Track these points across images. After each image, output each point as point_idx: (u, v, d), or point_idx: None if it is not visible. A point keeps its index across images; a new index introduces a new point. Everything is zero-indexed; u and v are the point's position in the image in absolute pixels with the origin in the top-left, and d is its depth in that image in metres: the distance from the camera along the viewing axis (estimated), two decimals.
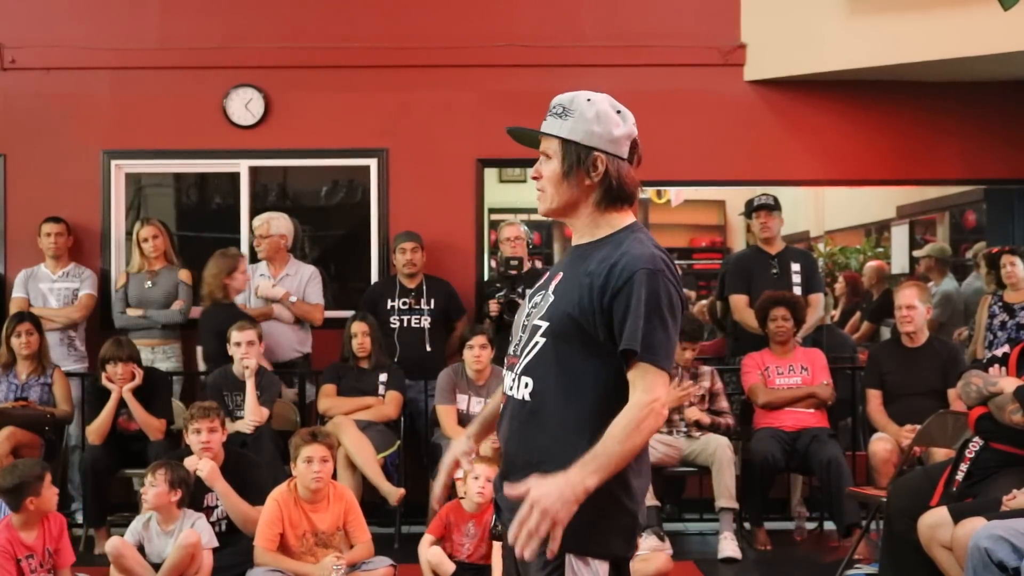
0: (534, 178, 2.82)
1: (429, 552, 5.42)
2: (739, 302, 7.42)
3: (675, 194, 12.45)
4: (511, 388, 2.76)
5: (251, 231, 7.66)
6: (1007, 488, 4.68)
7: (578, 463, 2.46)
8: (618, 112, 2.77)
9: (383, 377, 6.94)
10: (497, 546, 5.43)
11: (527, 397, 2.70)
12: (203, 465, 5.67)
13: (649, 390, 2.55)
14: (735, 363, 7.29)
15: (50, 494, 5.26)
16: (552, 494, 2.41)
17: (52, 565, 5.22)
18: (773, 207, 7.42)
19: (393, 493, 6.43)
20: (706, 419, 6.66)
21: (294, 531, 5.40)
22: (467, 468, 2.97)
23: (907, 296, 6.64)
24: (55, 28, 7.90)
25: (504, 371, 2.86)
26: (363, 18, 7.94)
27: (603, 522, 2.59)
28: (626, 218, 2.80)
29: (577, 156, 2.73)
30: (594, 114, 2.74)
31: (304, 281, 7.42)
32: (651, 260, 2.65)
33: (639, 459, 2.63)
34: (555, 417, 2.66)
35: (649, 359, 2.56)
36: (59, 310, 7.42)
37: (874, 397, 6.69)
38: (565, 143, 2.74)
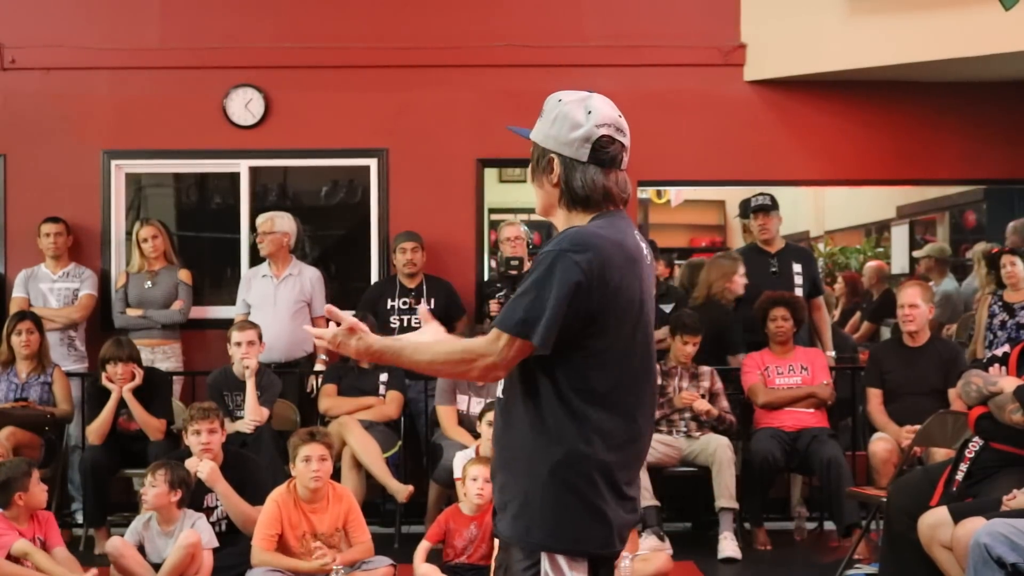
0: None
1: (421, 568, 5.42)
2: None
3: (675, 194, 12.46)
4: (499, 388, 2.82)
5: (252, 231, 7.66)
6: (1007, 488, 4.68)
7: (389, 340, 2.66)
8: (589, 112, 2.69)
9: (384, 377, 6.94)
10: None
11: (500, 395, 2.77)
12: (203, 466, 5.67)
13: (486, 345, 2.59)
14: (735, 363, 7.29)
15: (38, 490, 5.31)
16: (349, 339, 2.66)
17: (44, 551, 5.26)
18: (771, 207, 7.41)
19: (401, 491, 6.43)
20: (715, 411, 6.66)
21: (294, 531, 5.40)
22: None
23: (910, 295, 6.64)
24: (55, 28, 7.90)
25: None
26: (363, 18, 7.94)
27: (574, 522, 2.62)
28: (604, 212, 2.73)
29: (537, 158, 2.74)
30: (554, 116, 2.71)
31: (311, 284, 7.40)
32: (566, 239, 2.62)
33: (612, 460, 2.64)
34: (519, 416, 2.69)
35: (499, 324, 2.59)
36: (59, 310, 7.42)
37: (874, 397, 6.69)
38: (534, 144, 2.75)
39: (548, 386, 2.64)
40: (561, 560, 2.63)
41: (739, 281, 7.26)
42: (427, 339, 2.75)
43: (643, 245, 2.77)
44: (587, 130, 2.67)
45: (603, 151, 2.68)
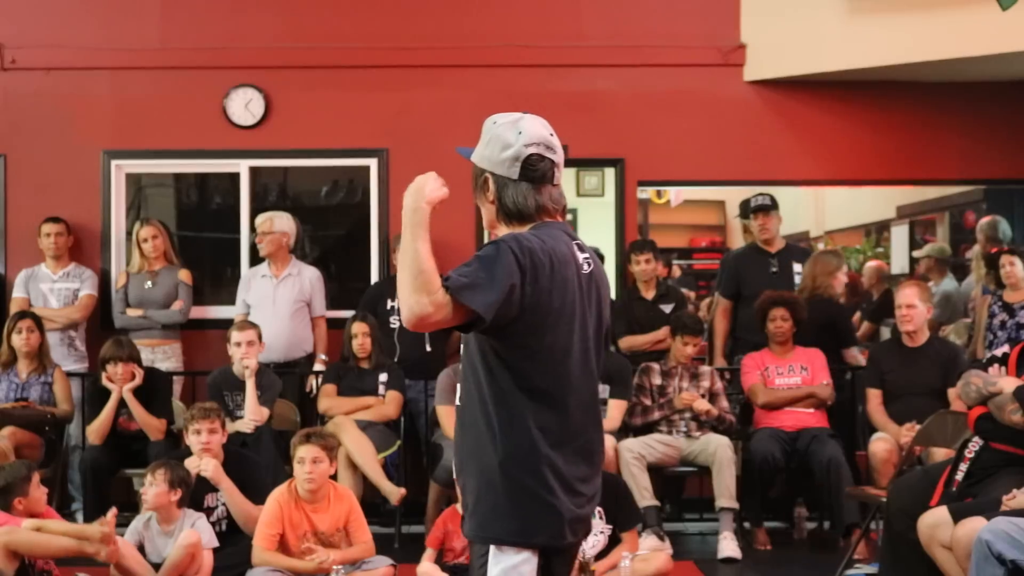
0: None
1: (422, 567, 5.42)
2: (720, 305, 7.43)
3: (675, 194, 12.45)
4: None
5: (252, 231, 7.66)
6: (1007, 488, 4.69)
7: (423, 216, 2.77)
8: (519, 133, 2.86)
9: (383, 377, 6.94)
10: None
11: (458, 402, 2.93)
12: (206, 464, 5.67)
13: (439, 294, 2.70)
14: (735, 363, 7.29)
15: (39, 494, 5.28)
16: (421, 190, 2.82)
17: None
18: (770, 207, 7.42)
19: (394, 493, 6.43)
20: (715, 411, 6.66)
21: (294, 531, 5.40)
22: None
23: (908, 295, 6.64)
24: (56, 28, 7.90)
25: None
26: (363, 18, 7.94)
27: (522, 515, 2.75)
28: (541, 222, 2.90)
29: (475, 177, 2.94)
30: (488, 138, 2.91)
31: (310, 284, 7.41)
32: (506, 237, 2.80)
33: (557, 455, 2.77)
34: (471, 419, 2.84)
35: (449, 285, 2.71)
36: (59, 310, 7.42)
37: (874, 397, 6.69)
38: (473, 165, 2.95)
39: (493, 387, 2.79)
40: (509, 551, 2.74)
41: (841, 278, 7.31)
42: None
43: (583, 255, 2.91)
44: (516, 150, 2.85)
45: (532, 169, 2.85)
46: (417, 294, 2.69)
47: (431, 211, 2.80)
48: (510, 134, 2.87)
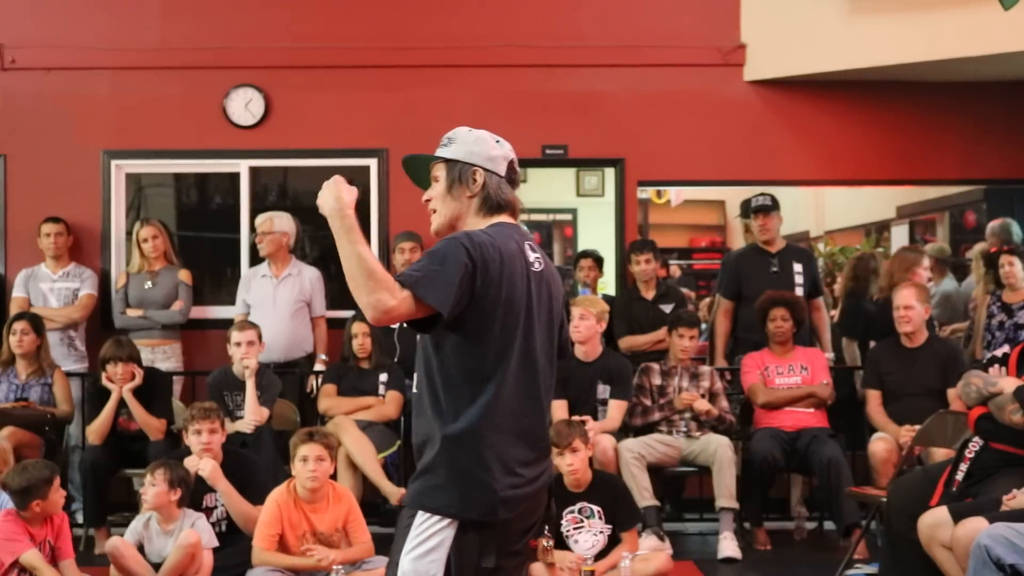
0: (425, 201, 3.17)
1: None
2: (721, 305, 7.43)
3: (675, 194, 12.45)
4: None
5: (252, 231, 7.66)
6: (1007, 488, 4.69)
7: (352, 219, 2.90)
8: (497, 141, 3.20)
9: (383, 377, 6.94)
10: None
11: (414, 390, 3.10)
12: (204, 464, 5.67)
13: (395, 289, 2.83)
14: (735, 363, 7.29)
15: (57, 498, 5.27)
16: (335, 192, 2.95)
17: (52, 559, 5.24)
18: (770, 207, 7.41)
19: (394, 493, 6.42)
20: (715, 411, 6.66)
21: (294, 531, 5.40)
22: None
23: (905, 296, 6.64)
24: (55, 28, 7.91)
25: None
26: (363, 18, 7.94)
27: (453, 489, 2.93)
28: (500, 219, 3.12)
29: (459, 172, 3.13)
30: (473, 139, 3.19)
31: (310, 284, 7.41)
32: (463, 234, 2.99)
33: (496, 438, 2.94)
34: (424, 403, 3.03)
35: (405, 279, 2.87)
36: (59, 310, 7.42)
37: (874, 397, 6.69)
38: (449, 164, 3.15)
39: (442, 373, 2.98)
40: (433, 518, 2.92)
41: (922, 274, 7.29)
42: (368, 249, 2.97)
43: (534, 254, 3.10)
44: (504, 152, 3.20)
45: (513, 172, 3.20)
46: (377, 292, 2.83)
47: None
48: (491, 140, 3.20)
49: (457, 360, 2.96)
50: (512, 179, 3.19)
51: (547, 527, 3.28)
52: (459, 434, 2.93)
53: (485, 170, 3.13)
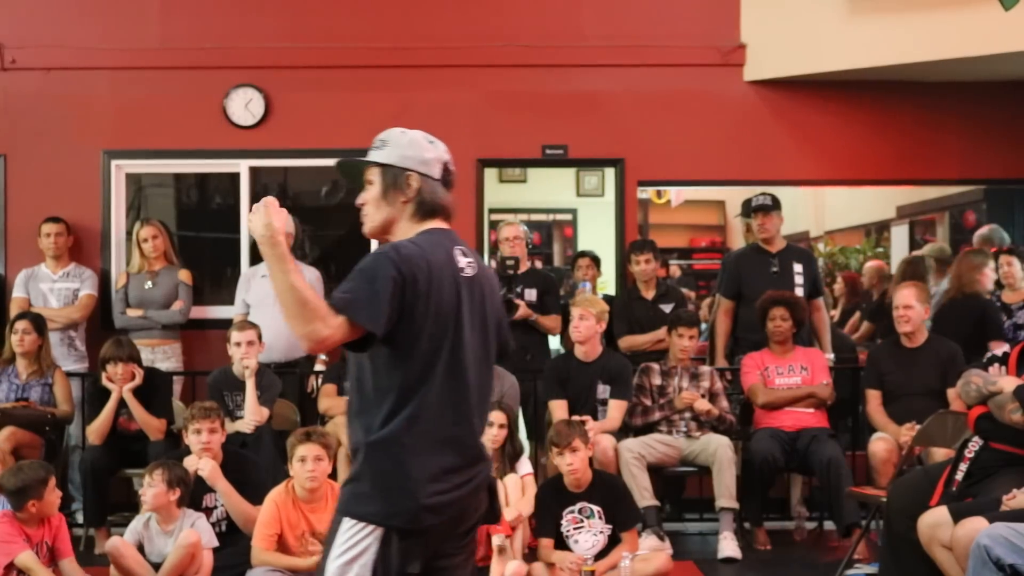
0: (359, 205, 3.18)
1: None
2: (721, 305, 7.44)
3: (675, 194, 12.44)
4: None
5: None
6: (1007, 488, 4.68)
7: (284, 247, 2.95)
8: (431, 142, 3.19)
9: None
10: (496, 546, 5.45)
11: (348, 395, 3.16)
12: (204, 464, 5.67)
13: (328, 316, 2.87)
14: (735, 363, 7.29)
15: (53, 498, 5.27)
16: (265, 219, 2.96)
17: (49, 559, 5.24)
18: (770, 207, 7.39)
19: None
20: (715, 411, 6.66)
21: (292, 531, 5.40)
22: None
23: (904, 296, 6.64)
24: (55, 28, 7.91)
25: None
26: (363, 18, 7.95)
27: (376, 494, 2.96)
28: (432, 225, 3.12)
29: (393, 177, 3.12)
30: (407, 141, 3.17)
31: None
32: (385, 247, 3.01)
33: (420, 446, 2.96)
34: (354, 410, 3.07)
35: (336, 304, 2.90)
36: (59, 310, 7.42)
37: (874, 397, 6.69)
38: (383, 168, 3.14)
39: (371, 379, 3.01)
40: (359, 525, 2.94)
41: (988, 274, 7.29)
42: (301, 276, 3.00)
43: (466, 259, 3.10)
44: (438, 154, 3.18)
45: (448, 174, 3.18)
46: (311, 323, 2.88)
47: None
48: (425, 142, 3.18)
49: (385, 371, 2.98)
50: (447, 181, 3.18)
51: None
52: (382, 443, 2.96)
53: (420, 174, 3.12)
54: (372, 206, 3.15)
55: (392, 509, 2.95)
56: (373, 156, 3.17)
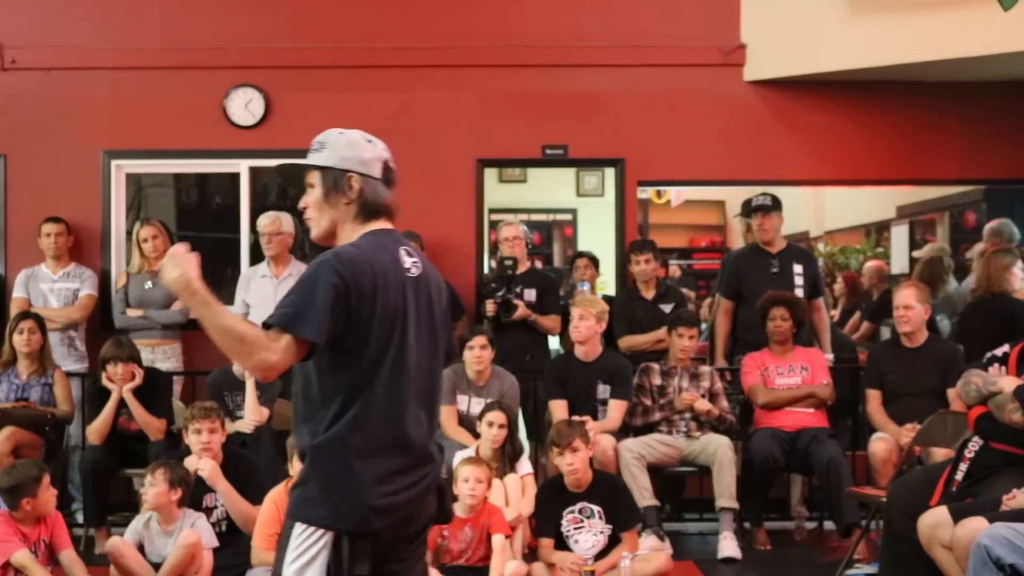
0: (301, 209, 3.15)
1: None
2: (721, 305, 7.43)
3: (675, 194, 12.45)
4: None
5: (252, 231, 7.66)
6: (1007, 488, 4.69)
7: (203, 292, 2.89)
8: (369, 141, 3.16)
9: None
10: (496, 546, 5.44)
11: (293, 398, 3.16)
12: (204, 464, 5.67)
13: (267, 342, 2.87)
14: (735, 363, 7.29)
15: (48, 496, 5.27)
16: (177, 269, 2.90)
17: (48, 557, 5.25)
18: (770, 207, 7.39)
19: None
20: (715, 411, 6.66)
21: None
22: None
23: (905, 296, 6.64)
24: (55, 28, 7.91)
25: None
26: (363, 18, 7.94)
27: (324, 498, 2.95)
28: (376, 226, 3.11)
29: (334, 180, 3.10)
30: (345, 142, 3.14)
31: None
32: (327, 254, 2.99)
33: (366, 448, 2.95)
34: (299, 413, 3.08)
35: (277, 323, 2.90)
36: (59, 310, 7.42)
37: (874, 398, 6.69)
38: (323, 171, 3.11)
39: (317, 384, 2.99)
40: (310, 529, 2.94)
41: (1017, 273, 7.24)
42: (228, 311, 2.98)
43: (411, 259, 3.11)
44: (378, 153, 3.15)
45: (389, 172, 3.16)
46: (256, 355, 2.87)
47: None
48: (364, 141, 3.15)
49: (331, 375, 2.97)
50: (388, 180, 3.15)
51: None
52: (328, 445, 2.95)
53: (360, 175, 3.10)
54: (315, 210, 3.12)
55: (340, 512, 2.94)
56: (312, 159, 3.13)
